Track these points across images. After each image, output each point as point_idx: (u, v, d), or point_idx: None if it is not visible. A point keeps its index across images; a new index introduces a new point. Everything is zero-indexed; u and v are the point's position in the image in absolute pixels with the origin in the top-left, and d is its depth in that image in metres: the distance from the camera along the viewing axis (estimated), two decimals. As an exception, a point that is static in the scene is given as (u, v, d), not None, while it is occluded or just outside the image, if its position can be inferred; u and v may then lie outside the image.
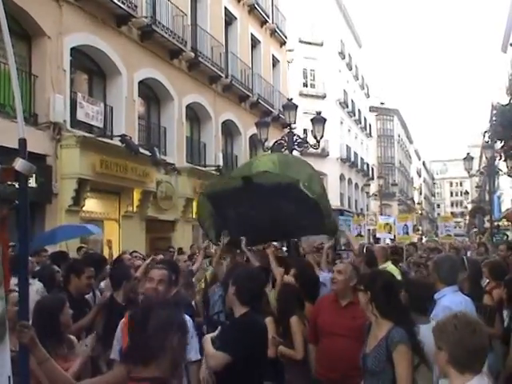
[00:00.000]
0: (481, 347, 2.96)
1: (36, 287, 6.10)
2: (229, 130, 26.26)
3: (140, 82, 18.60)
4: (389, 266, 8.32)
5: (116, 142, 15.84)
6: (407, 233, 18.26)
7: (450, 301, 4.97)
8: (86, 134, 15.26)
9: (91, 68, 17.31)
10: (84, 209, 15.36)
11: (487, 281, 7.03)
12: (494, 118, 15.04)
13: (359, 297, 4.55)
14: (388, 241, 22.19)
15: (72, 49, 15.41)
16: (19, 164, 3.08)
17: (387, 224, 21.09)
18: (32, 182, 12.66)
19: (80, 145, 14.51)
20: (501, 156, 15.80)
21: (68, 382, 3.57)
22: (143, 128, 19.47)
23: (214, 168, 22.37)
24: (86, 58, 16.90)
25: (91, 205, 16.01)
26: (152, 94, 20.40)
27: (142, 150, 16.52)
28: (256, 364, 4.50)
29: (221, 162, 23.66)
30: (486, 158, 26.97)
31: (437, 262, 5.55)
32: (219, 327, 4.84)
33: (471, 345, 2.92)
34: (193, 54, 21.10)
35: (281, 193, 7.63)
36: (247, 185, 7.83)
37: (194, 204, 20.73)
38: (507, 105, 15.13)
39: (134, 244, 15.35)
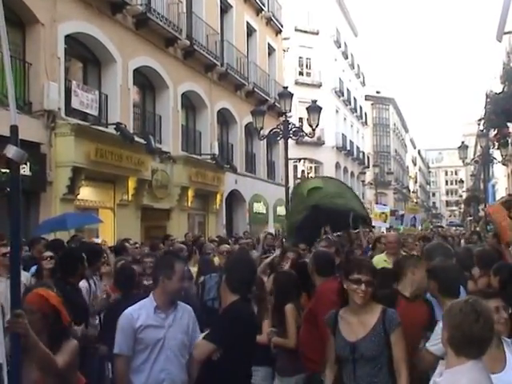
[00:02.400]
0: (480, 337, 2.97)
1: (23, 278, 6.08)
2: (224, 119, 26.21)
3: (135, 70, 18.52)
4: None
5: (111, 130, 15.78)
6: (414, 225, 18.29)
7: None
8: (81, 122, 15.21)
9: (86, 56, 17.22)
10: (79, 197, 15.33)
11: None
12: (488, 107, 15.06)
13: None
14: (383, 229, 22.19)
15: (66, 36, 15.31)
16: (11, 151, 3.05)
17: (383, 213, 21.10)
18: (26, 171, 12.65)
19: (75, 133, 14.45)
20: (494, 144, 15.82)
21: (55, 365, 3.62)
22: (138, 116, 19.42)
23: (209, 156, 22.36)
24: (81, 46, 16.81)
25: (86, 193, 15.98)
26: (147, 82, 20.32)
27: (137, 139, 16.46)
28: (244, 352, 4.50)
29: (216, 151, 23.63)
30: (481, 146, 26.99)
31: (429, 250, 5.57)
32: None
33: (470, 332, 2.94)
34: (188, 42, 21.01)
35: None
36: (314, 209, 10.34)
37: (189, 193, 20.77)
38: (500, 93, 15.12)
39: (128, 232, 15.35)
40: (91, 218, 13.12)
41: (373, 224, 21.67)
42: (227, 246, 10.01)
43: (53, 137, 14.36)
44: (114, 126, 15.55)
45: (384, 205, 28.60)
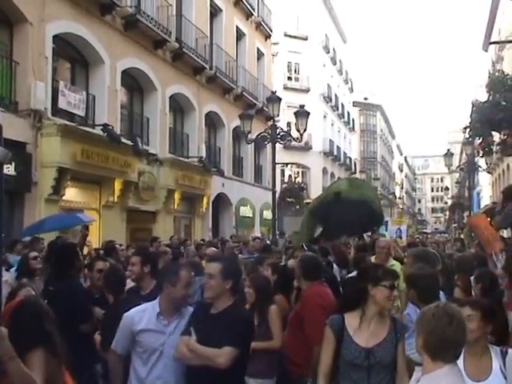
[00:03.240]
0: (454, 339, 2.99)
1: (5, 278, 5.99)
2: (212, 122, 26.13)
3: (123, 72, 18.40)
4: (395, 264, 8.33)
5: (98, 131, 15.66)
6: (400, 237, 18.20)
7: None
8: (68, 123, 15.08)
9: (74, 56, 17.09)
10: (64, 198, 15.18)
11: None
12: (473, 115, 15.15)
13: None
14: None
15: (54, 36, 15.18)
16: (-6, 150, 2.97)
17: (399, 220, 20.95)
18: (11, 170, 12.51)
19: (61, 133, 14.32)
20: (479, 152, 15.92)
21: None
22: (126, 118, 19.30)
23: (196, 159, 22.27)
24: (69, 46, 16.68)
25: (71, 194, 15.84)
26: (135, 84, 20.20)
27: (124, 140, 16.36)
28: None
29: (204, 154, 23.54)
30: (466, 154, 27.21)
31: (414, 256, 5.55)
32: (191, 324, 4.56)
33: (444, 335, 2.96)
34: (177, 45, 20.93)
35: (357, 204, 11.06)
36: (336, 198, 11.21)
37: (176, 195, 20.67)
38: (485, 102, 15.20)
39: (114, 234, 15.21)
40: (75, 218, 12.83)
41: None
42: (213, 249, 9.95)
43: (39, 137, 14.22)
44: (101, 127, 15.44)
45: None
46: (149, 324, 4.49)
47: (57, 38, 15.39)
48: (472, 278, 5.88)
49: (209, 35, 24.51)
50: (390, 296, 4.21)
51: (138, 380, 4.48)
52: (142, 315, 4.53)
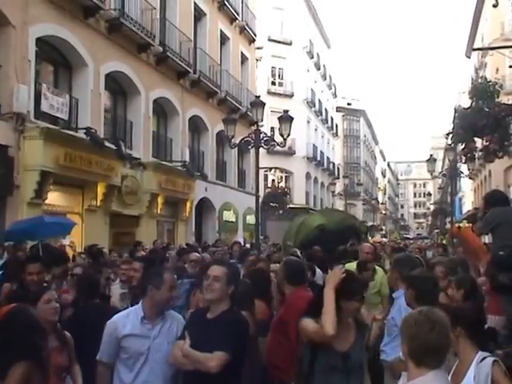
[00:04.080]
0: (437, 345, 3.01)
1: None
2: (196, 126, 26.12)
3: (107, 75, 18.35)
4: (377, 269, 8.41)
5: (81, 134, 15.61)
6: None
7: None
8: (50, 126, 15.01)
9: (57, 59, 17.01)
10: (46, 202, 15.08)
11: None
12: (456, 121, 15.32)
13: None
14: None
15: (38, 39, 15.08)
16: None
17: None
18: (-7, 173, 12.43)
19: (44, 136, 14.25)
20: (461, 158, 16.09)
21: None
22: (109, 121, 19.24)
23: (180, 164, 22.25)
24: (52, 49, 16.60)
25: (54, 198, 15.75)
26: (119, 88, 20.17)
27: (107, 144, 16.32)
28: (243, 360, 4.50)
29: (187, 158, 23.51)
30: (449, 160, 27.41)
31: (398, 261, 5.61)
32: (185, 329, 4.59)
33: (427, 341, 2.98)
34: (161, 49, 20.93)
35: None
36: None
37: (159, 199, 20.64)
38: (468, 108, 15.38)
39: (97, 239, 15.16)
40: (65, 227, 12.64)
41: None
42: (197, 254, 9.94)
43: (21, 140, 14.13)
44: (84, 131, 15.39)
45: None
46: (133, 329, 4.49)
47: (40, 41, 15.32)
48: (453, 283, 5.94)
49: (193, 39, 24.52)
50: (359, 308, 4.34)
51: None
52: (126, 320, 4.52)
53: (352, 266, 8.21)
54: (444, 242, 28.13)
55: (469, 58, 47.38)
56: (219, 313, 4.44)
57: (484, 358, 3.83)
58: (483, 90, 15.18)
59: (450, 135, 18.60)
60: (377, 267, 8.59)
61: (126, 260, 9.09)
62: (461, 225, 31.09)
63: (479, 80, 16.44)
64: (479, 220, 7.06)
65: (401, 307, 5.06)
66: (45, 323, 4.41)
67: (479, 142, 16.49)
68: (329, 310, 4.02)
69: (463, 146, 15.45)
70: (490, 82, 15.57)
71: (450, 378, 3.92)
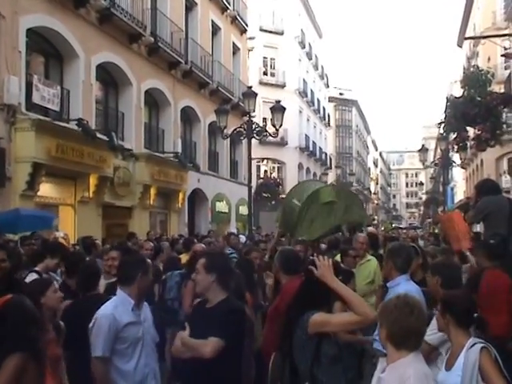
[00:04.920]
0: (416, 328, 3.16)
1: None
2: (188, 117, 26.09)
3: (98, 66, 18.28)
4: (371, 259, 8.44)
5: (72, 126, 15.57)
6: None
7: (406, 290, 5.06)
8: (42, 118, 14.95)
9: (48, 50, 16.92)
10: (39, 194, 15.06)
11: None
12: (448, 111, 15.36)
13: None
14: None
15: (28, 30, 15.01)
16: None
17: None
18: (-16, 165, 12.39)
19: (35, 128, 14.20)
20: (453, 147, 16.14)
21: None
22: (101, 113, 19.18)
23: (172, 155, 22.23)
24: (43, 40, 16.52)
25: (46, 190, 15.72)
26: (110, 79, 20.09)
27: (99, 135, 16.29)
28: (242, 350, 4.53)
29: (179, 149, 23.50)
30: (441, 149, 27.53)
31: (392, 251, 5.63)
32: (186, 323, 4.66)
33: (407, 324, 3.13)
34: (152, 39, 20.86)
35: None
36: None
37: (152, 191, 20.63)
38: (460, 97, 15.42)
39: (89, 230, 15.11)
40: (46, 221, 12.52)
41: None
42: (202, 245, 9.90)
43: (13, 132, 14.08)
44: (76, 122, 15.37)
45: None
46: (128, 317, 4.58)
47: (30, 32, 15.22)
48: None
49: (184, 29, 24.44)
50: None
51: (126, 379, 4.51)
52: (118, 311, 4.56)
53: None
54: (436, 231, 28.22)
55: (460, 47, 47.46)
56: (216, 302, 4.49)
57: (474, 345, 3.89)
58: (475, 79, 15.22)
59: (442, 124, 18.69)
60: (371, 257, 8.62)
61: (106, 249, 9.06)
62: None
63: (471, 69, 16.45)
64: (471, 209, 7.11)
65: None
66: (48, 312, 4.50)
67: (471, 131, 16.53)
68: (353, 296, 4.04)
69: (455, 135, 15.50)
70: (482, 70, 15.61)
71: (444, 362, 4.00)
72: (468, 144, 17.02)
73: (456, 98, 15.43)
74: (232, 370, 4.39)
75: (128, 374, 4.53)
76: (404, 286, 5.22)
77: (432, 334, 4.21)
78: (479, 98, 14.41)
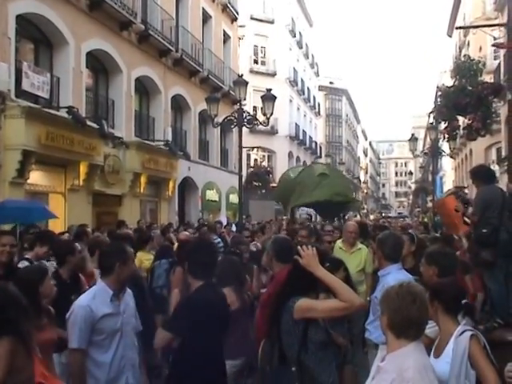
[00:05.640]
0: (418, 317, 3.13)
1: None
2: (178, 105, 26.00)
3: (88, 53, 18.15)
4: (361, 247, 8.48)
5: (63, 113, 15.47)
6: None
7: (396, 279, 5.09)
8: (32, 105, 14.83)
9: (37, 37, 16.77)
10: (28, 181, 14.99)
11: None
12: (439, 100, 15.40)
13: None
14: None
15: (17, 16, 14.86)
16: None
17: None
18: (-26, 153, 12.30)
19: (25, 115, 14.11)
20: (444, 136, 16.18)
21: None
22: (91, 100, 19.06)
23: (162, 143, 22.16)
24: (32, 27, 16.36)
25: (36, 177, 15.66)
26: (100, 66, 19.96)
27: (89, 123, 16.19)
28: (211, 339, 4.47)
29: (170, 137, 23.42)
30: (430, 139, 27.52)
31: (381, 240, 5.65)
32: None
33: (408, 313, 3.10)
34: (143, 27, 20.72)
35: None
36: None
37: (142, 179, 20.58)
38: (452, 87, 15.46)
39: (79, 218, 15.11)
40: (42, 213, 12.49)
41: None
42: (186, 233, 9.95)
43: (2, 119, 13.98)
44: (66, 110, 15.26)
45: None
46: (105, 309, 4.52)
47: (20, 18, 15.08)
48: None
49: (175, 17, 24.29)
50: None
51: (102, 370, 4.49)
52: (95, 302, 4.51)
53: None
54: (425, 220, 28.37)
55: (450, 36, 47.45)
56: (191, 292, 4.60)
57: (463, 332, 3.92)
58: (466, 69, 15.25)
59: (433, 114, 18.68)
60: (361, 245, 8.67)
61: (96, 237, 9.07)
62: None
63: (462, 58, 16.45)
64: (472, 203, 7.13)
65: (385, 286, 5.10)
66: (44, 300, 4.51)
67: (461, 121, 16.59)
68: (338, 283, 4.07)
69: (446, 124, 15.54)
70: (473, 60, 15.64)
71: (433, 350, 4.03)
72: (459, 133, 17.06)
73: (447, 87, 15.45)
74: (190, 360, 4.36)
75: (104, 365, 4.48)
76: (395, 275, 5.26)
77: (431, 327, 4.23)
78: (470, 88, 14.45)
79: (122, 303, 4.68)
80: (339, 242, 8.79)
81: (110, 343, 4.52)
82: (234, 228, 18.44)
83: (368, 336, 5.54)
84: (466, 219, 7.74)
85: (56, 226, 14.25)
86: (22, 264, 6.41)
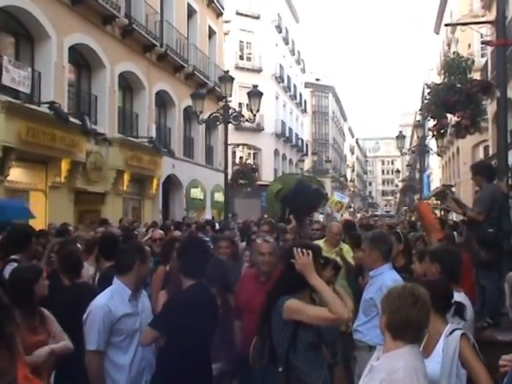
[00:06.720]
0: (417, 320, 3.09)
1: None
2: (162, 101, 25.89)
3: (70, 48, 18.02)
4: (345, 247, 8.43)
5: (44, 109, 15.37)
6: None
7: (393, 279, 5.09)
8: (12, 100, 14.71)
9: (18, 31, 16.61)
10: (8, 179, 14.87)
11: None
12: (427, 97, 15.44)
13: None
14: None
15: (-3, 9, 14.76)
16: None
17: (340, 202, 21.03)
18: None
19: (5, 111, 13.99)
20: (433, 134, 16.23)
21: None
22: (73, 96, 18.93)
23: (146, 140, 22.07)
24: (13, 20, 16.20)
25: (16, 174, 15.52)
26: (83, 61, 19.82)
27: (71, 119, 16.09)
28: (197, 339, 4.43)
29: (154, 134, 23.32)
30: (418, 137, 27.70)
31: (376, 239, 5.57)
32: None
33: (407, 315, 3.06)
34: (127, 21, 20.60)
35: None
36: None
37: (125, 176, 20.48)
38: (440, 84, 15.51)
39: (61, 216, 15.00)
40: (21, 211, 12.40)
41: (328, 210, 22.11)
42: (161, 231, 9.87)
43: (-19, 114, 13.86)
44: (48, 105, 15.16)
45: (343, 195, 28.87)
46: (124, 308, 4.46)
47: (0, 12, 14.96)
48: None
49: (159, 12, 24.19)
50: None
51: (122, 372, 4.42)
52: (113, 301, 4.44)
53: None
54: (413, 218, 28.52)
55: (437, 33, 47.72)
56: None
57: (453, 331, 3.92)
58: (455, 66, 15.29)
59: (422, 111, 18.74)
60: (344, 244, 8.60)
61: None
62: (429, 201, 31.63)
63: (451, 56, 16.50)
64: (475, 201, 7.14)
65: (382, 286, 5.06)
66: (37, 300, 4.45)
67: (450, 118, 16.67)
68: (331, 294, 4.05)
69: (435, 122, 15.58)
70: (463, 57, 15.70)
71: (420, 350, 4.02)
72: (448, 131, 17.11)
73: (437, 84, 15.50)
74: (176, 360, 4.35)
75: (124, 367, 4.41)
76: (391, 275, 5.27)
77: None
78: (459, 85, 14.50)
79: (140, 303, 4.63)
80: (321, 242, 8.68)
81: (130, 344, 4.45)
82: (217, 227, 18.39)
83: (360, 338, 5.42)
84: (465, 218, 7.76)
85: (37, 224, 14.12)
86: (11, 266, 6.33)
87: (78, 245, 6.90)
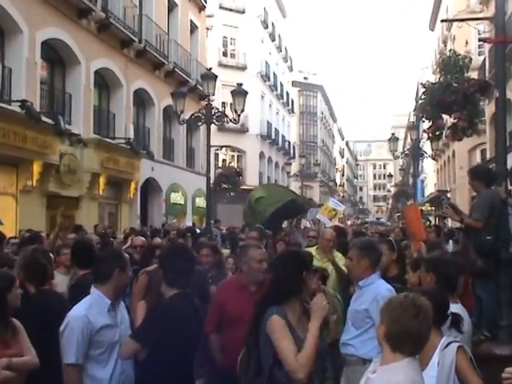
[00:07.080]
0: (417, 332, 3.09)
1: None
2: (141, 100, 25.88)
3: (43, 43, 17.97)
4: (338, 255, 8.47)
5: (15, 107, 15.31)
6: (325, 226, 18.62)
7: (389, 289, 5.16)
8: (-19, 98, 14.69)
9: (-13, 24, 16.61)
10: (-24, 182, 14.83)
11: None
12: (422, 97, 15.51)
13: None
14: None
15: (-35, 1, 14.71)
16: None
17: (334, 210, 21.05)
18: None
19: (-27, 109, 13.95)
20: (429, 136, 16.31)
21: None
22: (46, 94, 18.89)
23: (123, 141, 22.04)
24: (-18, 13, 16.19)
25: (-15, 177, 15.47)
26: (56, 57, 19.78)
27: (44, 118, 16.05)
28: (179, 351, 4.43)
29: (131, 135, 23.30)
30: (411, 139, 27.84)
31: (366, 248, 5.57)
32: None
33: (408, 327, 3.06)
34: (103, 15, 20.57)
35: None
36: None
37: (101, 180, 20.44)
38: (436, 83, 15.61)
39: (32, 222, 14.94)
40: None
41: (317, 217, 22.15)
42: (142, 238, 9.87)
43: None
44: (19, 104, 15.11)
45: (340, 203, 28.87)
46: (104, 319, 4.42)
47: (-32, 3, 14.94)
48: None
49: (138, 5, 24.17)
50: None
51: (105, 382, 4.39)
52: (91, 312, 4.38)
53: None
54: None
55: (432, 30, 48.09)
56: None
57: (449, 344, 3.95)
58: (452, 64, 15.40)
59: (416, 111, 18.88)
60: (338, 253, 8.65)
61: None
62: (422, 207, 31.79)
63: (447, 53, 16.60)
64: (473, 207, 7.21)
65: (377, 297, 5.09)
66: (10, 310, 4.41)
67: (446, 120, 16.76)
68: (308, 350, 3.98)
69: (430, 123, 15.65)
70: (460, 55, 15.80)
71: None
72: (444, 132, 17.19)
73: (432, 83, 15.59)
74: (157, 374, 4.35)
75: (103, 381, 4.37)
76: (382, 286, 5.31)
77: None
78: (456, 85, 14.59)
79: (119, 313, 4.59)
80: (313, 249, 8.70)
81: (109, 357, 4.40)
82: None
83: (352, 352, 5.40)
84: (462, 225, 7.83)
85: (6, 230, 14.06)
86: None
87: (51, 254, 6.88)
